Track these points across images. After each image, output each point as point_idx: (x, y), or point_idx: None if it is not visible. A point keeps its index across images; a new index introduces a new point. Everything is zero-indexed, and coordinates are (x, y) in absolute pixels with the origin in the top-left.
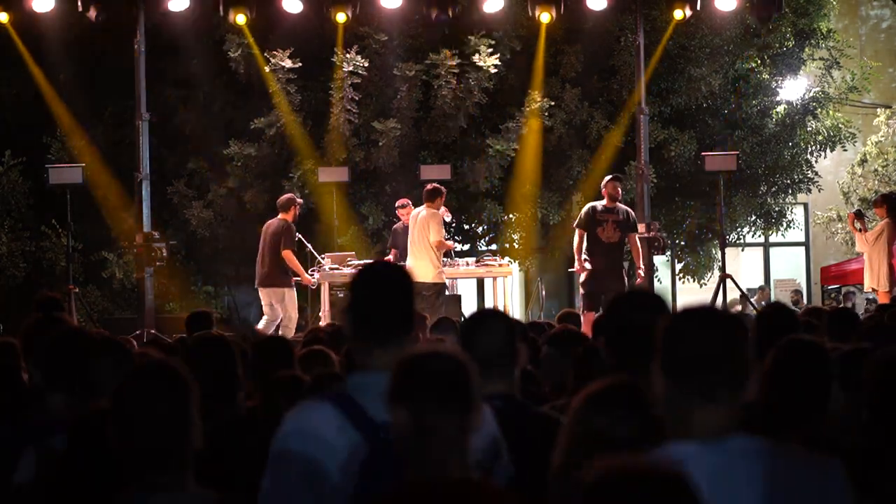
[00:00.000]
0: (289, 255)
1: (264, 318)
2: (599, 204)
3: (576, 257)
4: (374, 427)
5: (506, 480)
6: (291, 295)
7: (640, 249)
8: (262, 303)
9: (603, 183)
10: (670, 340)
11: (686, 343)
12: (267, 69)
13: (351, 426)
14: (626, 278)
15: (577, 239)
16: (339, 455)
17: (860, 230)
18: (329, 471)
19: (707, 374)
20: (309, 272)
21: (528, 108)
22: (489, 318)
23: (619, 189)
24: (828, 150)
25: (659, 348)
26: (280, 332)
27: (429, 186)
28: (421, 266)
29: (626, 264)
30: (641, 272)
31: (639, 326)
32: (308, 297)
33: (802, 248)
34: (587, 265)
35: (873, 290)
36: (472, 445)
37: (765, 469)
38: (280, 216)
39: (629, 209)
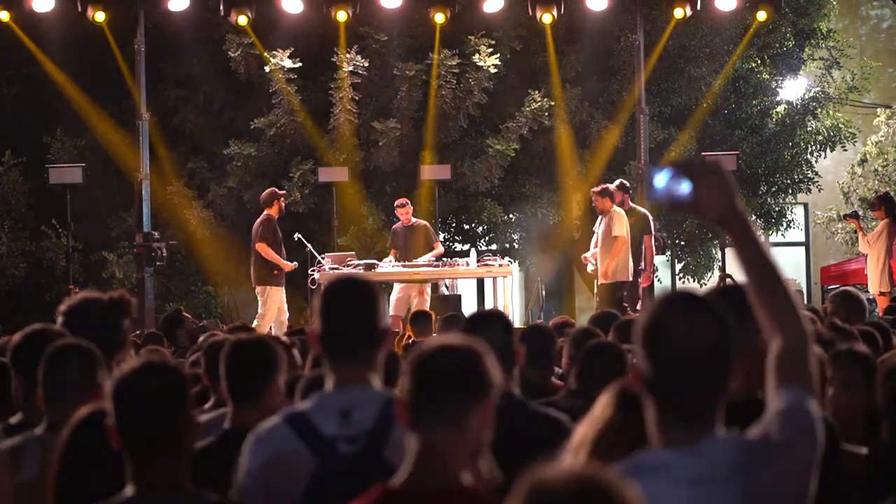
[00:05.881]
0: (262, 248)
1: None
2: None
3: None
4: (323, 441)
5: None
6: (273, 293)
7: (652, 252)
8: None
9: None
10: (651, 352)
11: (666, 367)
12: (268, 69)
13: (301, 442)
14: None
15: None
16: (291, 470)
17: (863, 231)
18: (286, 486)
19: (688, 400)
20: (309, 272)
21: (528, 108)
22: (489, 317)
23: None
24: (828, 150)
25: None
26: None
27: (599, 187)
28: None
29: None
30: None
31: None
32: (308, 296)
33: (802, 248)
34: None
35: (881, 293)
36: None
37: (742, 468)
38: (265, 212)
39: (643, 211)
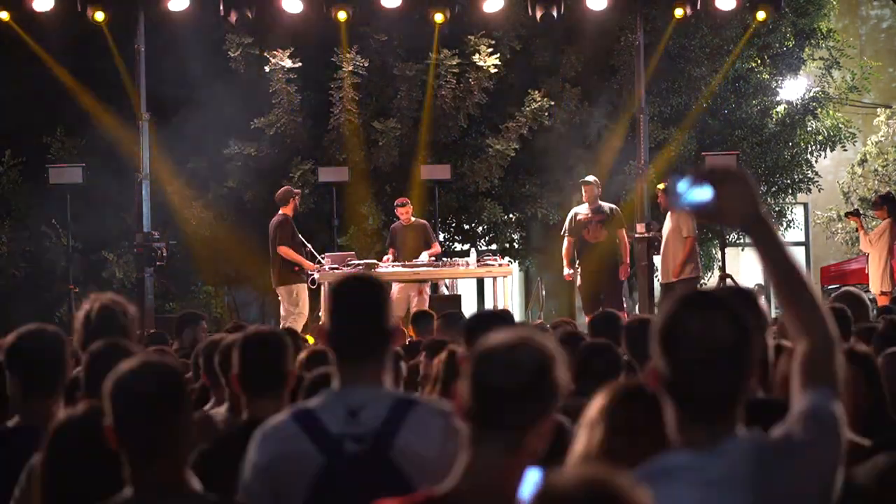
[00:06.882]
0: (283, 251)
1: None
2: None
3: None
4: (330, 439)
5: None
6: (301, 289)
7: (627, 245)
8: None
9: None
10: (668, 355)
11: (685, 369)
12: (268, 69)
13: (308, 439)
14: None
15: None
16: (297, 467)
17: (864, 230)
18: (291, 483)
19: (708, 400)
20: (309, 272)
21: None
22: (490, 318)
23: (592, 190)
24: (828, 150)
25: (656, 351)
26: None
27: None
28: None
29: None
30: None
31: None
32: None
33: (802, 248)
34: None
35: (882, 292)
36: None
37: (764, 468)
38: (280, 211)
39: (613, 206)
